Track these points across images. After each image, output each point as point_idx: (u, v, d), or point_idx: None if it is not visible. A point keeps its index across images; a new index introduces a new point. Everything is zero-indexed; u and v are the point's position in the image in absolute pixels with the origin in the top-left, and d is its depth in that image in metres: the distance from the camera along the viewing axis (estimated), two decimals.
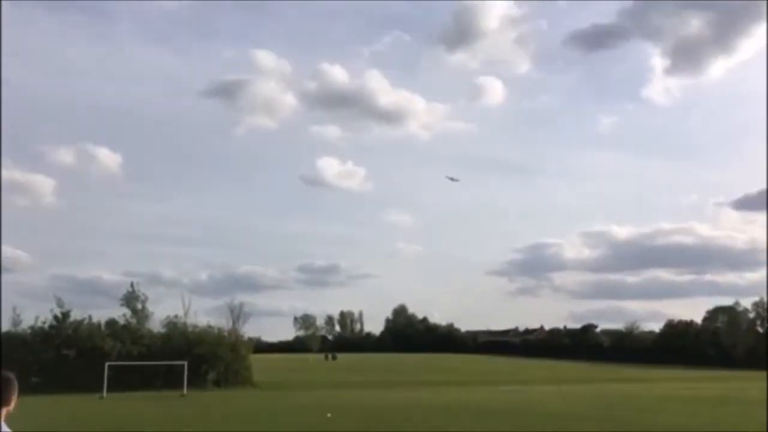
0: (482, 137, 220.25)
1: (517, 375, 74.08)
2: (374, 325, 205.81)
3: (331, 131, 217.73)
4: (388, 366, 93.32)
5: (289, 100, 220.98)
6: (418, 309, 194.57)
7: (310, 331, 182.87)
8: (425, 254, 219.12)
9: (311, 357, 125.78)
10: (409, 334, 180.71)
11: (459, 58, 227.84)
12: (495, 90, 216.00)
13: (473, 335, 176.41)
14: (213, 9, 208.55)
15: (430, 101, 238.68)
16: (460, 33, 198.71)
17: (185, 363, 45.89)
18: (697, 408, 31.38)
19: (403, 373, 76.44)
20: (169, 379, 46.74)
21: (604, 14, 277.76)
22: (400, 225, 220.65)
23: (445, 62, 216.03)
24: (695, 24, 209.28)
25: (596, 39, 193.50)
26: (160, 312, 64.70)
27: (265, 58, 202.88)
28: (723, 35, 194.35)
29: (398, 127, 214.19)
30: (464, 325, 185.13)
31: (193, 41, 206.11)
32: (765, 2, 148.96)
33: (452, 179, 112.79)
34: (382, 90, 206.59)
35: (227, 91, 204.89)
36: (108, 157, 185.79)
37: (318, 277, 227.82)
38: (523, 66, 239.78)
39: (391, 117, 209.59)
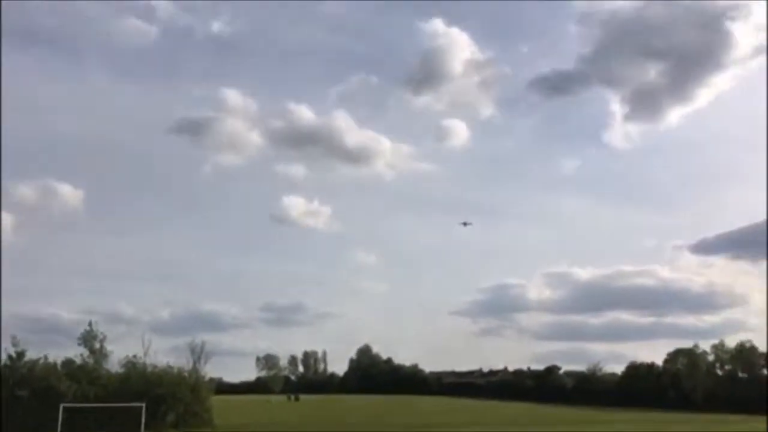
0: (446, 178, 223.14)
1: (482, 416, 73.87)
2: (338, 365, 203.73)
3: (297, 170, 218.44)
4: (353, 408, 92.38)
5: (255, 138, 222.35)
6: (382, 349, 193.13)
7: (273, 372, 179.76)
8: (390, 294, 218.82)
9: (273, 398, 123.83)
10: (373, 375, 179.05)
11: (424, 100, 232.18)
12: (459, 132, 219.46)
13: (438, 376, 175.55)
14: (181, 46, 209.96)
15: (396, 142, 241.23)
16: (426, 76, 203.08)
17: (143, 405, 44.97)
18: None
19: (369, 416, 75.74)
20: (126, 422, 45.69)
21: (565, 60, 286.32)
22: (366, 264, 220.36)
23: (411, 104, 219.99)
24: (653, 73, 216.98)
25: (557, 84, 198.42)
26: (120, 351, 63.12)
27: (232, 96, 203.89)
28: (680, 84, 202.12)
29: (364, 166, 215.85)
30: (428, 366, 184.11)
31: (160, 78, 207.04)
32: (720, 53, 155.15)
33: (465, 224, 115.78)
34: (349, 129, 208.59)
35: (194, 129, 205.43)
36: (70, 193, 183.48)
37: (282, 315, 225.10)
38: (487, 109, 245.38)
39: (357, 157, 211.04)
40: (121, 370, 54.20)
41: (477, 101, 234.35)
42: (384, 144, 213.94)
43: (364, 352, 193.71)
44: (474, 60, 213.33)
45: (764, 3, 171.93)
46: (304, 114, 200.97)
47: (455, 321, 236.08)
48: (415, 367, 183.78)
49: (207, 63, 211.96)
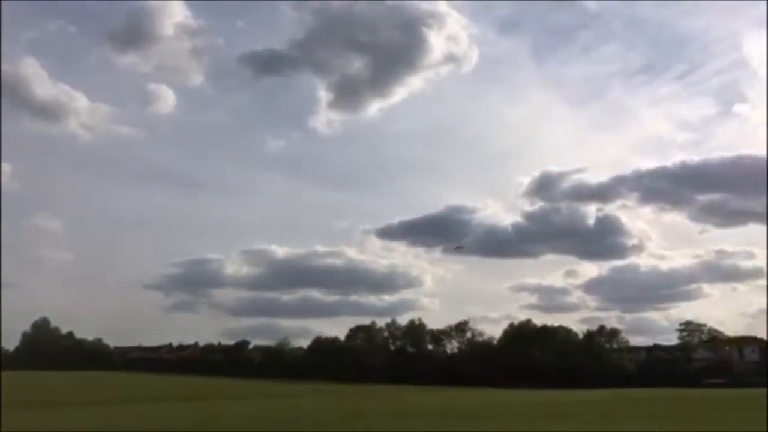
0: (149, 145, 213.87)
1: (161, 391, 72.60)
2: (9, 341, 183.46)
3: None
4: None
5: None
6: (63, 323, 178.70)
7: None
8: (76, 264, 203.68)
9: None
10: (50, 351, 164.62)
11: (129, 60, 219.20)
12: (166, 98, 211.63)
13: (123, 351, 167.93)
14: None
15: (94, 101, 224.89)
16: (133, 34, 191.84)
17: None
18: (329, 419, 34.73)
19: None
20: None
21: (278, 41, 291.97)
22: (49, 230, 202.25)
23: (114, 62, 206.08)
24: (357, 65, 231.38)
25: (269, 63, 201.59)
26: None
27: None
28: (380, 79, 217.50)
29: (55, 123, 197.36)
30: (114, 341, 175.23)
31: None
32: (415, 56, 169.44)
33: (459, 247, 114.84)
34: (40, 81, 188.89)
35: None
36: None
37: None
38: (197, 78, 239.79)
39: (47, 112, 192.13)
40: None
41: (187, 68, 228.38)
42: (80, 101, 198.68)
43: (41, 325, 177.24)
44: (186, 25, 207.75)
45: (457, 15, 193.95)
46: None
47: (148, 295, 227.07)
48: (98, 341, 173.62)
49: None
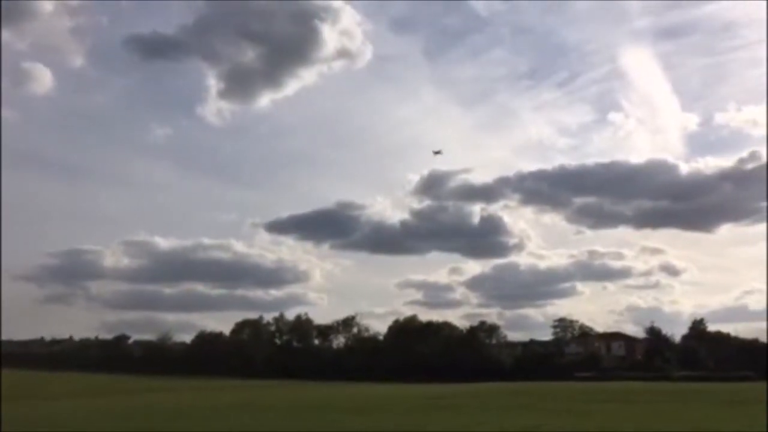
0: (24, 128, 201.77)
1: (40, 390, 69.37)
2: None
3: None
4: None
5: None
6: None
7: None
8: None
9: None
10: None
11: (4, 36, 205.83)
12: (43, 78, 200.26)
13: None
14: None
15: None
16: (8, 9, 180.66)
17: None
18: (217, 414, 34.69)
19: None
20: None
21: (167, 25, 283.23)
22: None
23: None
24: (250, 55, 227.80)
25: (156, 48, 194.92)
26: None
27: None
28: (272, 70, 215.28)
29: None
30: None
31: None
32: (309, 49, 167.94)
33: (437, 153, 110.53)
34: None
35: None
36: None
37: None
38: (78, 59, 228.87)
39: None
40: None
41: (66, 48, 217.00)
42: None
43: None
44: (66, 3, 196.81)
45: (351, 11, 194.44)
46: None
47: (19, 286, 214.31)
48: None
49: None
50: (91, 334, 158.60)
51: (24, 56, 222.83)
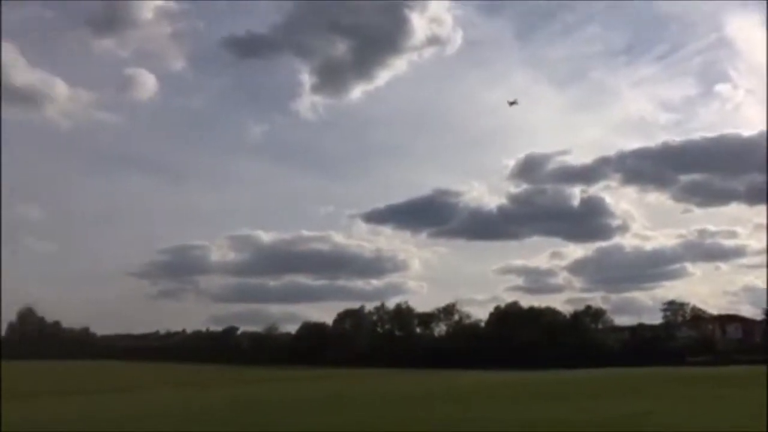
0: (130, 132, 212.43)
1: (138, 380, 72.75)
2: None
3: None
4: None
5: None
6: (48, 312, 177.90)
7: None
8: (58, 252, 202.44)
9: None
10: (36, 339, 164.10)
11: (107, 44, 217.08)
12: (146, 83, 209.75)
13: (110, 340, 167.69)
14: None
15: (74, 86, 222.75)
16: (111, 18, 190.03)
17: None
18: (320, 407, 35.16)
19: None
20: None
21: (259, 24, 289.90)
22: (29, 219, 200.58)
23: (92, 47, 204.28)
24: (340, 48, 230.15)
25: (251, 47, 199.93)
26: None
27: None
28: (363, 62, 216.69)
29: (34, 110, 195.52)
30: (101, 330, 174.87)
31: None
32: (398, 38, 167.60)
33: (512, 103, 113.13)
34: (17, 67, 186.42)
35: None
36: None
37: None
38: (178, 63, 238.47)
39: (26, 98, 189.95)
40: None
41: (167, 53, 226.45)
42: (59, 88, 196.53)
43: (26, 315, 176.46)
44: (165, 9, 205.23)
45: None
46: None
47: (132, 283, 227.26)
48: (85, 330, 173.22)
49: None
50: (202, 327, 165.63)
51: (127, 63, 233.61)
